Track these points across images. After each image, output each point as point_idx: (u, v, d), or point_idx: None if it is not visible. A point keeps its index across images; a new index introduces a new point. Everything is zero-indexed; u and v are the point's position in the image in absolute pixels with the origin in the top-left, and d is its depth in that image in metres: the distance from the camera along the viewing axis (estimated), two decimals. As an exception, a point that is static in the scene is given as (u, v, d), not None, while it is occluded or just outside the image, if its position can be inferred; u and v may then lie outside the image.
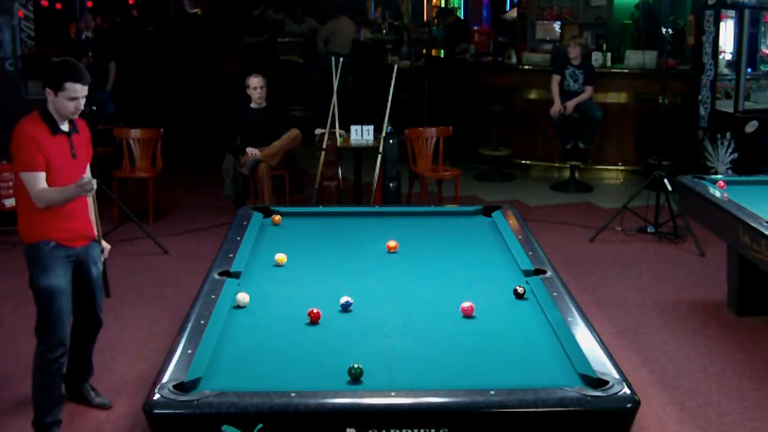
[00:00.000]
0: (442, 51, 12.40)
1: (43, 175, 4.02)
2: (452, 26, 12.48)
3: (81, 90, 4.04)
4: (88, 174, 4.27)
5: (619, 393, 2.87)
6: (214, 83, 14.86)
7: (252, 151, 7.73)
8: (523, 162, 10.28)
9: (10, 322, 5.77)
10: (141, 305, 6.06)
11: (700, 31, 8.91)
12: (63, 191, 4.03)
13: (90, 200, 4.30)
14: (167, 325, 5.60)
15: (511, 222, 4.99)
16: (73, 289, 4.26)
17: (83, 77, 4.03)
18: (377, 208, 5.96)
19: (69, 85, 4.00)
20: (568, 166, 9.53)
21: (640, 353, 5.28)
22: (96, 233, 4.36)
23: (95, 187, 4.01)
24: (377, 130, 7.86)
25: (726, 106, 8.55)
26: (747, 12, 8.26)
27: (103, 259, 4.42)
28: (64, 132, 4.12)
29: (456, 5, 16.72)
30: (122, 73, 9.86)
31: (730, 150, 8.35)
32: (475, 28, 13.78)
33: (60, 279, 4.14)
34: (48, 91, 4.04)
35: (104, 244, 4.44)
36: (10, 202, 7.35)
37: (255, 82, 7.84)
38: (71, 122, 4.18)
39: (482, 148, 10.05)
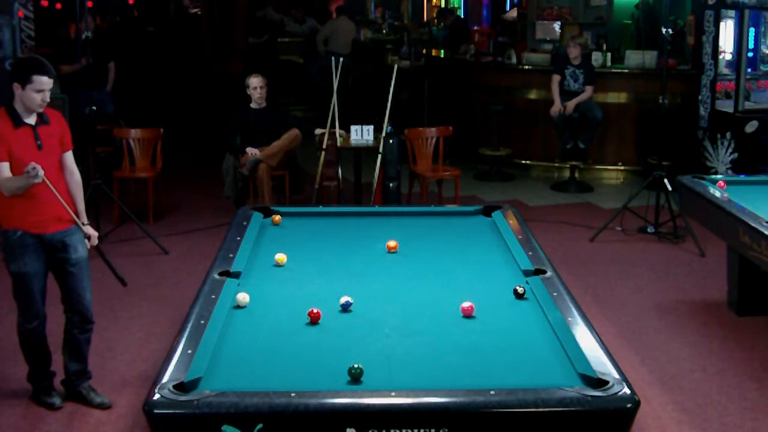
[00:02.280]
0: (442, 51, 12.40)
1: (4, 164, 4.25)
2: (453, 26, 12.48)
3: (47, 83, 4.25)
4: (71, 164, 4.55)
5: (619, 393, 2.87)
6: (214, 83, 14.85)
7: (252, 151, 7.73)
8: (523, 162, 10.28)
9: (9, 322, 5.76)
10: (141, 305, 6.06)
11: (700, 31, 8.91)
12: (16, 180, 4.24)
13: (73, 186, 4.51)
14: (167, 325, 5.60)
15: (511, 222, 4.99)
16: (55, 274, 4.51)
17: (49, 71, 4.26)
18: (377, 208, 5.96)
19: (36, 77, 4.21)
20: (568, 166, 9.53)
21: (640, 353, 5.28)
22: (75, 218, 4.44)
23: (41, 173, 4.13)
24: (377, 130, 7.85)
25: (726, 106, 8.55)
26: (747, 12, 8.26)
27: (89, 246, 4.54)
28: (28, 124, 4.32)
29: (456, 5, 16.72)
30: (122, 73, 9.86)
31: (730, 150, 8.35)
32: (475, 28, 13.78)
33: (28, 265, 4.38)
34: (16, 85, 4.24)
35: (89, 230, 4.52)
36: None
37: (255, 82, 7.84)
38: (40, 115, 4.37)
39: (482, 148, 10.05)
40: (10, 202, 4.32)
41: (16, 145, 4.27)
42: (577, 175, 9.52)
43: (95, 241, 4.55)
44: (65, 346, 4.65)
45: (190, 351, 3.20)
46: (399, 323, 3.63)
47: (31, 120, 4.34)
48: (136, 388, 4.73)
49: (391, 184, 7.59)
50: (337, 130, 7.66)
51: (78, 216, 4.47)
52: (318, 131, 7.95)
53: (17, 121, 4.30)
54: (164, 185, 8.40)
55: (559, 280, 4.02)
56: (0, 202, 4.35)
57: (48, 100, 4.31)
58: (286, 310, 3.75)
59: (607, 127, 9.61)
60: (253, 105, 7.94)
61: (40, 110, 4.33)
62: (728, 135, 8.37)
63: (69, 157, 4.53)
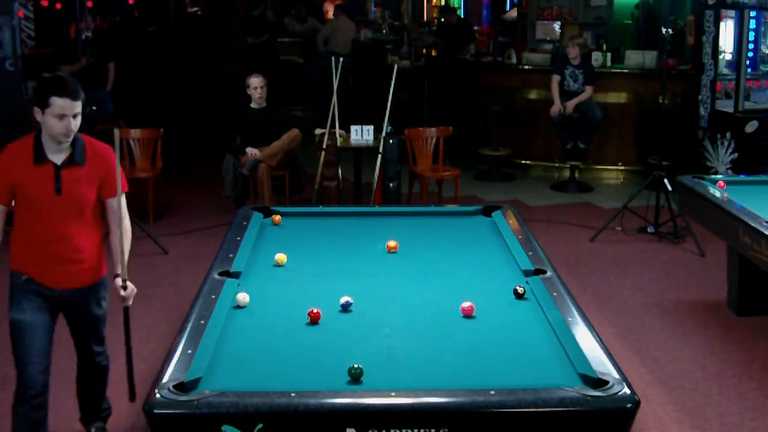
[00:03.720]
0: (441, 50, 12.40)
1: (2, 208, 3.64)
2: (456, 26, 12.47)
3: (70, 107, 3.52)
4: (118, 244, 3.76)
5: (619, 393, 2.87)
6: (214, 83, 14.86)
7: (252, 151, 7.73)
8: (523, 162, 10.28)
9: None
10: (141, 305, 6.05)
11: (700, 31, 8.90)
12: None
13: (116, 237, 3.79)
14: (167, 325, 5.60)
15: (511, 222, 4.98)
16: (70, 328, 3.97)
17: (72, 92, 3.51)
18: (377, 208, 5.96)
19: (54, 99, 3.50)
20: (568, 166, 9.53)
21: (640, 353, 5.28)
22: (117, 269, 3.78)
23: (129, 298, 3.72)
24: (377, 130, 7.85)
25: (726, 106, 8.55)
26: (747, 12, 8.26)
27: (125, 308, 3.82)
28: (51, 162, 3.62)
29: (456, 5, 16.72)
30: (122, 73, 9.86)
31: (730, 150, 8.35)
32: (475, 28, 13.78)
33: (28, 314, 3.69)
34: (36, 110, 3.58)
35: (119, 282, 3.76)
36: (10, 202, 7.35)
37: (255, 82, 7.84)
38: (74, 151, 3.65)
39: (482, 148, 10.05)
40: (21, 242, 3.73)
41: (32, 185, 3.60)
42: (577, 175, 9.52)
43: (127, 302, 3.82)
44: (76, 381, 4.22)
45: (190, 351, 3.20)
46: (399, 323, 3.63)
47: (59, 157, 3.62)
48: (136, 388, 4.72)
49: (391, 184, 7.59)
50: (337, 130, 7.66)
51: (115, 270, 3.79)
52: (318, 131, 7.95)
53: (39, 155, 3.60)
54: (164, 185, 8.40)
55: (559, 280, 4.02)
56: (12, 239, 3.77)
57: (74, 129, 3.57)
58: (286, 310, 3.75)
59: (607, 127, 9.61)
60: (253, 105, 7.94)
61: (66, 141, 3.58)
62: (728, 135, 8.37)
63: (116, 203, 3.76)
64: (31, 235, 3.69)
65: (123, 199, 3.84)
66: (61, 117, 3.52)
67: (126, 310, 3.82)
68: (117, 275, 3.76)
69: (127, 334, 3.90)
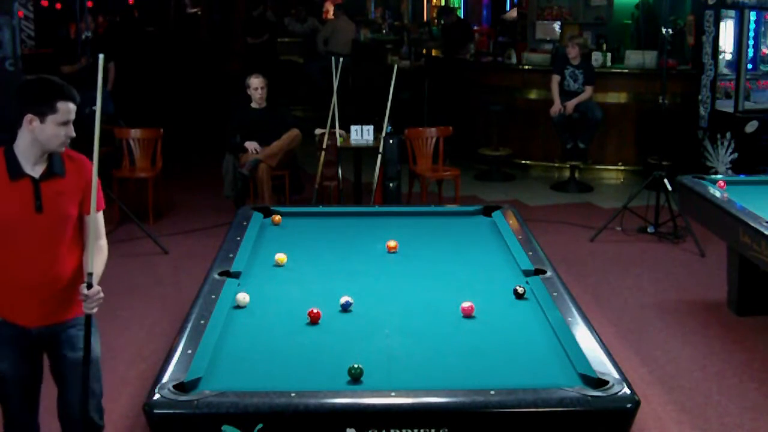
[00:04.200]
0: (442, 51, 12.40)
1: None
2: (454, 26, 12.48)
3: (73, 111, 3.23)
4: (93, 266, 3.17)
5: (619, 393, 2.87)
6: (214, 83, 14.86)
7: (252, 145, 7.72)
8: (523, 162, 10.28)
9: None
10: (141, 305, 6.06)
11: (700, 31, 8.91)
12: None
13: (92, 246, 3.21)
14: (167, 325, 5.60)
15: (511, 222, 4.98)
16: (53, 375, 3.44)
17: (75, 95, 3.26)
18: (377, 208, 5.96)
19: (60, 104, 3.16)
20: (568, 166, 9.53)
21: (640, 353, 5.28)
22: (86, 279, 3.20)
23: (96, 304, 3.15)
24: (377, 130, 7.86)
25: (726, 106, 8.55)
26: (747, 12, 8.26)
27: (87, 315, 3.21)
28: (29, 176, 3.19)
29: (456, 5, 16.72)
30: (122, 73, 9.86)
31: (730, 150, 8.35)
32: (475, 28, 13.78)
33: (7, 364, 3.28)
34: (30, 118, 3.14)
35: (85, 290, 3.15)
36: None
37: (256, 83, 7.84)
38: (52, 163, 3.25)
39: (482, 148, 10.05)
40: None
41: (7, 205, 3.15)
42: (577, 175, 9.52)
43: (90, 306, 3.17)
44: None
45: (190, 351, 3.20)
46: (399, 323, 3.63)
47: (36, 170, 3.21)
48: (136, 388, 4.73)
49: (391, 184, 7.59)
50: (337, 130, 7.66)
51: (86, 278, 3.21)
52: (318, 131, 7.95)
53: (14, 170, 3.17)
54: (164, 185, 8.40)
55: (559, 280, 4.02)
56: None
57: (74, 134, 3.25)
58: (286, 310, 3.74)
59: (607, 127, 9.61)
60: (253, 105, 7.94)
61: (62, 150, 3.24)
62: (728, 135, 8.37)
63: (95, 222, 3.23)
64: (4, 266, 3.21)
65: (101, 216, 3.38)
66: (65, 123, 3.19)
67: (88, 318, 3.19)
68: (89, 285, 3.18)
69: (87, 349, 3.24)
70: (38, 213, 3.19)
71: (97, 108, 3.20)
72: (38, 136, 3.17)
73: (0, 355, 3.27)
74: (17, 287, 3.23)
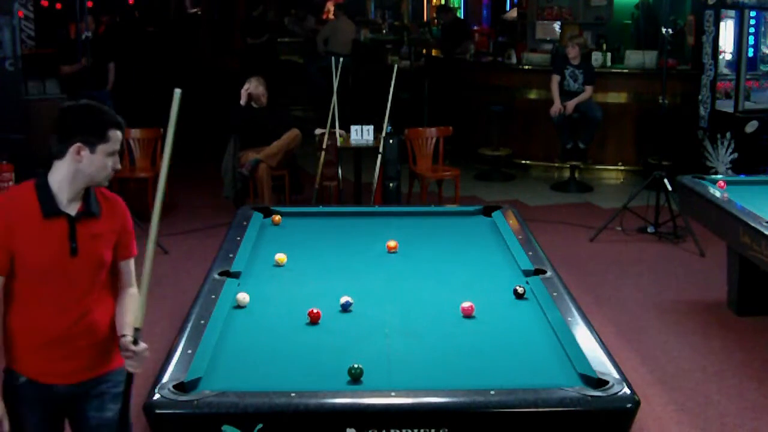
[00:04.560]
0: (441, 51, 12.41)
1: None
2: (451, 25, 12.49)
3: (121, 140, 2.94)
4: (130, 318, 2.87)
5: (619, 393, 2.87)
6: (214, 83, 14.87)
7: (247, 92, 7.72)
8: (523, 162, 10.28)
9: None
10: (141, 305, 6.05)
11: (700, 31, 8.91)
12: None
13: (127, 294, 3.01)
14: (167, 325, 5.59)
15: (511, 222, 4.98)
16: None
17: (123, 123, 2.99)
18: (377, 208, 5.96)
19: (112, 133, 2.87)
20: (568, 166, 9.53)
21: (640, 353, 5.28)
22: (124, 330, 2.92)
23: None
24: (377, 130, 7.86)
25: (726, 106, 8.55)
26: (747, 12, 8.26)
27: (129, 373, 2.89)
28: (64, 214, 2.84)
29: (456, 5, 16.73)
30: (122, 73, 9.86)
31: (730, 150, 8.35)
32: (475, 28, 13.79)
33: (27, 428, 2.93)
34: (78, 147, 2.79)
35: (131, 345, 2.83)
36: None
37: (260, 90, 7.85)
38: (88, 199, 2.90)
39: (482, 148, 10.05)
40: (18, 329, 2.89)
41: (39, 247, 2.79)
42: (577, 175, 9.52)
43: (133, 364, 2.86)
44: None
45: (190, 351, 3.20)
46: (399, 323, 3.63)
47: (71, 207, 2.85)
48: (136, 388, 4.71)
49: (391, 184, 7.59)
50: (337, 130, 7.66)
51: (120, 331, 2.94)
52: (318, 131, 7.95)
53: (49, 207, 2.80)
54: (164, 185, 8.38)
55: (559, 280, 4.01)
56: (6, 325, 2.91)
57: (119, 166, 2.97)
58: (286, 310, 3.74)
59: (607, 127, 9.61)
60: (253, 104, 7.95)
61: (106, 184, 2.94)
62: (728, 135, 8.37)
63: (127, 267, 3.04)
64: (32, 317, 2.86)
65: (132, 264, 3.10)
66: (113, 153, 2.88)
67: (130, 377, 2.89)
68: (124, 335, 2.90)
69: (126, 411, 2.99)
70: (72, 257, 2.83)
71: (164, 160, 2.87)
72: (85, 168, 2.81)
73: (22, 420, 2.91)
74: (45, 340, 2.87)
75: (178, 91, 2.86)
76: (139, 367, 2.86)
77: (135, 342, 2.82)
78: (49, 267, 2.81)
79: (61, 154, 2.82)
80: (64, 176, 2.82)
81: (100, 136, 2.83)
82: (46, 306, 2.86)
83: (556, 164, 9.94)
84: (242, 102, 7.88)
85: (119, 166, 2.98)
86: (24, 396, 2.90)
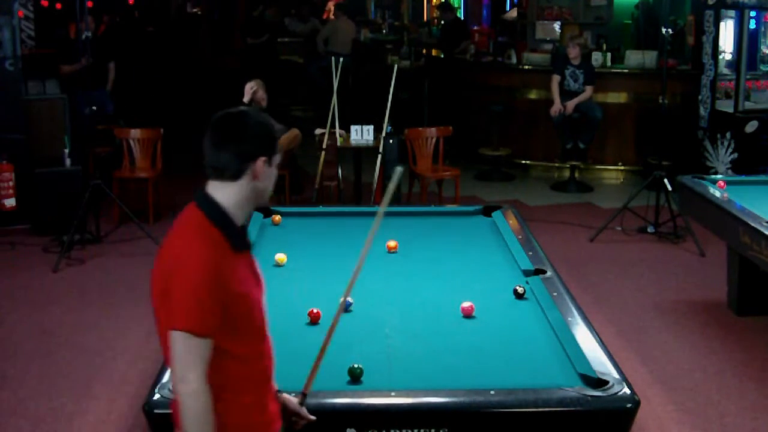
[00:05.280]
0: (442, 51, 12.41)
1: (204, 342, 2.22)
2: (451, 25, 12.49)
3: None
4: None
5: (619, 393, 2.87)
6: (213, 83, 14.87)
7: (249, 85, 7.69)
8: (523, 162, 10.28)
9: (9, 322, 5.77)
10: (141, 305, 6.05)
11: (700, 31, 8.91)
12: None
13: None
14: (167, 325, 5.60)
15: (511, 222, 4.99)
16: None
17: None
18: (377, 208, 5.95)
19: (277, 144, 2.45)
20: (568, 166, 9.53)
21: (640, 353, 5.28)
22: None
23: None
24: (377, 130, 7.86)
25: (726, 106, 8.55)
26: (747, 12, 8.27)
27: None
28: (249, 244, 2.45)
29: (456, 5, 16.73)
30: (122, 73, 9.86)
31: (730, 150, 8.35)
32: (475, 28, 13.79)
33: None
34: (264, 160, 2.36)
35: (305, 412, 2.59)
36: (10, 202, 7.35)
37: (261, 94, 7.85)
38: (246, 225, 2.47)
39: (482, 148, 10.05)
40: (230, 399, 2.32)
41: (244, 288, 2.35)
42: (577, 175, 9.52)
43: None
44: None
45: (190, 351, 3.20)
46: (399, 323, 3.63)
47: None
48: (136, 388, 4.73)
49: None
50: (337, 130, 7.67)
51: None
52: (318, 131, 7.95)
53: (239, 239, 2.37)
54: (164, 185, 8.39)
55: (559, 280, 4.02)
56: (215, 394, 2.27)
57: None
58: (286, 310, 3.74)
59: (607, 127, 9.61)
60: (253, 104, 7.94)
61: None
62: (728, 135, 8.37)
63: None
64: (243, 378, 2.35)
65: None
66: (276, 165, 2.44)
67: None
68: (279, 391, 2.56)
69: None
70: (257, 287, 2.46)
71: None
72: (261, 185, 2.39)
73: None
74: (259, 409, 2.41)
75: (399, 169, 2.72)
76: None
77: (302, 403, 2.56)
78: (251, 309, 2.36)
79: (238, 174, 2.35)
80: (240, 199, 2.36)
81: (274, 147, 2.41)
82: (251, 367, 2.38)
83: (556, 164, 9.93)
84: (245, 100, 7.88)
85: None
86: None
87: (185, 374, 2.19)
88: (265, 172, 2.37)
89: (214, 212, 2.34)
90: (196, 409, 2.21)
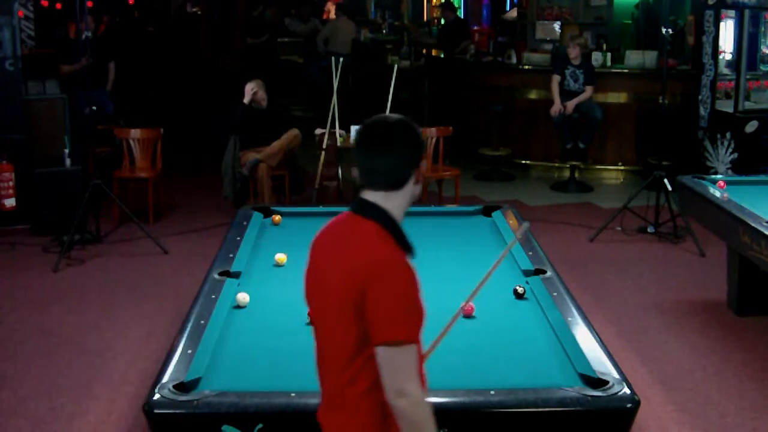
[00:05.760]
0: (442, 51, 12.41)
1: (413, 349, 2.27)
2: (451, 24, 12.48)
3: None
4: None
5: (619, 393, 2.87)
6: (213, 83, 14.87)
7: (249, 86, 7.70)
8: (523, 162, 10.28)
9: (9, 322, 5.77)
10: (141, 305, 6.06)
11: (700, 31, 8.91)
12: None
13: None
14: (167, 325, 5.59)
15: (511, 222, 4.99)
16: None
17: None
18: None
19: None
20: (568, 166, 9.53)
21: (640, 353, 5.28)
22: None
23: None
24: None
25: (726, 106, 8.55)
26: (747, 12, 8.26)
27: None
28: (413, 252, 2.46)
29: (456, 5, 16.72)
30: (122, 73, 9.86)
31: (730, 150, 8.35)
32: (475, 28, 13.79)
33: None
34: (421, 169, 2.46)
35: None
36: (10, 202, 7.35)
37: (261, 94, 7.85)
38: None
39: (482, 148, 10.05)
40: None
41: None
42: (577, 175, 9.52)
43: None
44: None
45: (190, 351, 3.20)
46: (399, 323, 3.62)
47: None
48: (136, 388, 4.73)
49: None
50: (337, 130, 7.67)
51: None
52: (318, 131, 7.95)
53: (409, 246, 2.47)
54: (164, 185, 8.40)
55: (559, 280, 4.02)
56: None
57: None
58: (286, 310, 3.74)
59: (607, 127, 9.61)
60: (254, 104, 7.95)
61: None
62: (728, 135, 8.37)
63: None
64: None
65: None
66: None
67: None
68: None
69: None
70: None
71: None
72: (418, 188, 2.46)
73: None
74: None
75: (526, 224, 2.75)
76: None
77: None
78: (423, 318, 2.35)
79: (403, 182, 2.41)
80: (404, 205, 2.44)
81: (421, 157, 2.47)
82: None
83: (556, 164, 9.93)
84: (246, 100, 7.89)
85: None
86: None
87: (404, 386, 2.20)
88: (415, 182, 2.42)
89: (388, 222, 2.39)
90: (424, 416, 2.24)
